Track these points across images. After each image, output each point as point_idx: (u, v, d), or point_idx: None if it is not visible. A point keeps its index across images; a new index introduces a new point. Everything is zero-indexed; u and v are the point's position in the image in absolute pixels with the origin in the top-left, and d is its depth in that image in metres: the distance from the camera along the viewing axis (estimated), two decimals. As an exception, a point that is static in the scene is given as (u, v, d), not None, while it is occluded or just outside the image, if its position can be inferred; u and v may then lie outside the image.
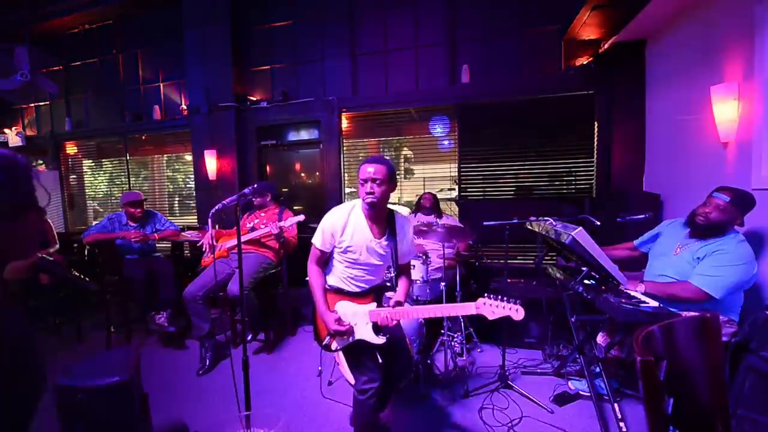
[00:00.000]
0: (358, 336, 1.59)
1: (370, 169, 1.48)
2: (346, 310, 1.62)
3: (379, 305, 1.59)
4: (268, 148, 4.28)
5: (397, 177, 1.61)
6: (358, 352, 1.61)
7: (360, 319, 1.59)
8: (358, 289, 1.65)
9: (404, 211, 3.43)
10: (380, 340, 1.56)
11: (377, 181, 1.47)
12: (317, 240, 1.64)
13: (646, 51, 3.07)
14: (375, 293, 1.64)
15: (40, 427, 1.05)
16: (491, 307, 1.30)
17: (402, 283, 1.65)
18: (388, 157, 4.27)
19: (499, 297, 1.28)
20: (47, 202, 0.73)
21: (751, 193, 1.77)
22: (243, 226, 3.05)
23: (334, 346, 1.61)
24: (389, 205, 1.64)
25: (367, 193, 1.48)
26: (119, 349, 2.92)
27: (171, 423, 2.06)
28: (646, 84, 3.10)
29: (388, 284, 1.65)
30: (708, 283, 1.71)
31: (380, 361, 1.63)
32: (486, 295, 1.30)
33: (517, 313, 1.29)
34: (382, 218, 1.60)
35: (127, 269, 3.04)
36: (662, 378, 0.75)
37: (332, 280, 1.68)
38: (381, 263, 1.61)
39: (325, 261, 1.70)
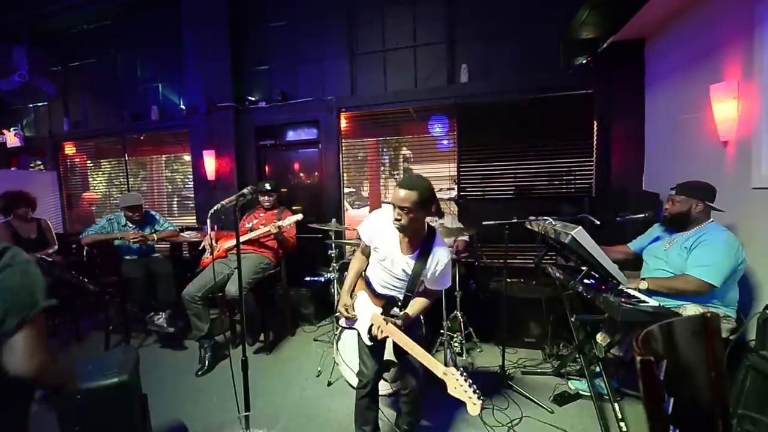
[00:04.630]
0: (357, 326, 1.69)
1: (400, 194, 1.41)
2: (362, 300, 1.71)
3: (384, 314, 1.59)
4: (267, 148, 4.28)
5: (436, 196, 1.48)
6: (363, 346, 1.68)
7: (365, 314, 1.66)
8: (378, 289, 1.67)
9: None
10: (367, 341, 1.63)
11: (405, 209, 1.41)
12: (360, 230, 1.71)
13: (645, 50, 3.07)
14: (386, 302, 1.63)
15: (39, 428, 1.04)
16: (456, 382, 1.22)
17: (419, 301, 1.60)
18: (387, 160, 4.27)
19: (469, 381, 1.20)
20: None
21: (698, 181, 1.93)
22: (242, 226, 3.05)
23: (341, 321, 1.74)
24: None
25: (395, 219, 1.45)
26: (118, 349, 2.93)
27: (170, 424, 2.05)
28: (645, 83, 3.10)
29: (399, 303, 1.61)
30: (707, 273, 1.75)
31: (377, 361, 1.68)
32: (461, 370, 1.24)
33: (474, 407, 1.20)
34: (416, 238, 1.54)
35: (126, 270, 3.04)
36: (662, 377, 0.74)
37: (369, 270, 1.74)
38: (405, 279, 1.59)
39: (369, 253, 1.74)
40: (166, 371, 2.70)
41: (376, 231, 1.62)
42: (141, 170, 5.10)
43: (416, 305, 1.59)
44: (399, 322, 1.51)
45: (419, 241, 1.55)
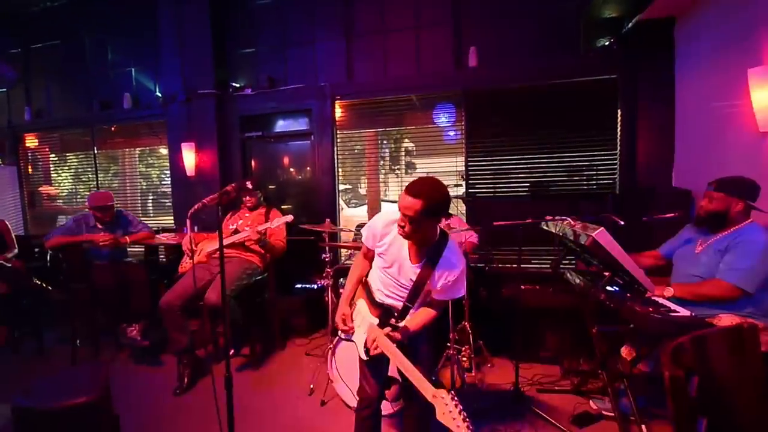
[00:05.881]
0: (355, 339, 1.70)
1: (404, 200, 1.40)
2: (361, 309, 1.71)
3: (380, 325, 1.58)
4: (253, 140, 4.27)
5: (450, 201, 1.46)
6: (363, 362, 1.69)
7: (362, 326, 1.66)
8: (378, 297, 1.67)
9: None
10: (363, 355, 1.63)
11: (408, 218, 1.40)
12: (363, 233, 1.71)
13: (675, 30, 3.07)
14: (383, 312, 1.63)
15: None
16: (446, 407, 1.18)
17: (422, 312, 1.60)
18: (386, 148, 4.27)
19: (460, 408, 1.18)
20: None
21: (741, 177, 1.91)
22: (225, 227, 3.05)
23: (339, 332, 1.77)
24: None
25: (398, 225, 1.45)
26: (86, 365, 2.91)
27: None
28: (675, 67, 3.10)
29: (396, 313, 1.59)
30: (739, 278, 1.76)
31: (379, 378, 1.69)
32: (451, 393, 1.22)
33: None
34: (423, 246, 1.54)
35: (96, 276, 3.03)
36: (693, 395, 0.74)
37: (371, 275, 1.74)
38: (410, 288, 1.58)
39: (372, 257, 1.74)
40: (141, 390, 2.69)
41: (381, 235, 1.61)
42: (112, 165, 5.09)
43: (418, 317, 1.58)
44: (398, 336, 1.50)
45: (427, 250, 1.54)
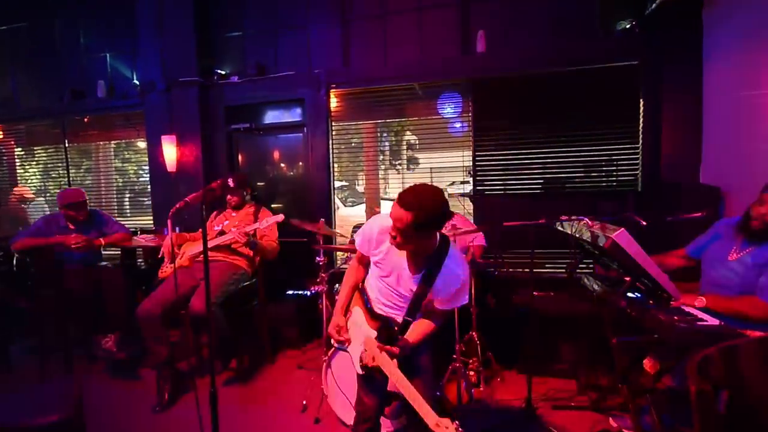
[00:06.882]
0: (351, 351, 1.70)
1: (394, 211, 1.41)
2: (357, 319, 1.72)
3: (379, 340, 1.58)
4: (240, 132, 4.27)
5: (447, 214, 1.45)
6: (362, 379, 1.70)
7: (359, 337, 1.66)
8: (377, 308, 1.67)
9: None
10: (359, 369, 1.64)
11: (398, 230, 1.40)
12: (356, 240, 1.72)
13: (703, 11, 3.08)
14: (382, 325, 1.62)
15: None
16: None
17: (422, 324, 1.60)
18: (383, 142, 4.27)
19: None
20: None
21: None
22: (210, 228, 3.05)
23: (332, 342, 1.75)
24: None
25: (391, 236, 1.45)
26: (56, 380, 2.91)
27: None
28: (703, 52, 3.11)
29: (396, 327, 1.59)
30: None
31: (379, 393, 1.70)
32: (455, 424, 1.22)
33: None
34: (422, 255, 1.54)
35: (67, 282, 3.03)
36: (722, 412, 0.74)
37: (368, 282, 1.75)
38: (410, 297, 1.59)
39: (368, 262, 1.74)
40: (116, 407, 2.69)
41: (378, 242, 1.60)
42: (85, 159, 5.09)
43: (418, 329, 1.59)
44: (397, 351, 1.50)
45: (425, 261, 1.53)
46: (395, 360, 1.48)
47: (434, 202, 1.39)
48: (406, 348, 1.53)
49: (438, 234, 1.54)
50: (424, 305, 1.58)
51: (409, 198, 1.37)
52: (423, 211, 1.35)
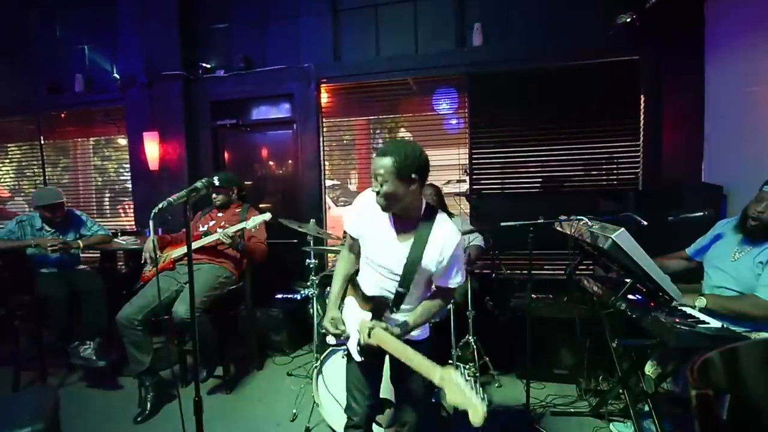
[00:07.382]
0: (348, 344, 1.72)
1: (375, 162, 1.50)
2: (350, 310, 1.74)
3: (375, 318, 1.60)
4: (227, 129, 4.26)
5: (427, 163, 1.53)
6: (352, 375, 1.72)
7: (353, 326, 1.67)
8: (368, 291, 1.69)
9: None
10: (357, 356, 1.65)
11: (379, 178, 1.48)
12: (346, 224, 1.75)
13: (705, 6, 3.12)
14: (374, 305, 1.65)
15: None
16: (455, 386, 1.22)
17: (424, 306, 1.64)
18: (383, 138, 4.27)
19: (470, 382, 1.22)
20: None
21: None
22: (194, 229, 3.03)
23: (328, 338, 1.75)
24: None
25: (374, 191, 1.52)
26: (31, 390, 2.87)
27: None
28: (705, 48, 3.15)
29: (389, 303, 1.62)
30: None
31: (371, 396, 1.71)
32: (460, 368, 1.25)
33: (475, 413, 1.21)
34: (408, 217, 1.59)
35: (43, 286, 3.00)
36: (724, 417, 0.75)
37: (360, 277, 1.77)
38: (401, 273, 1.61)
39: (358, 251, 1.76)
40: (96, 417, 2.66)
41: (365, 217, 1.65)
42: (62, 157, 5.03)
43: (420, 310, 1.62)
44: (396, 331, 1.53)
45: (414, 223, 1.58)
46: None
47: (413, 148, 1.51)
48: (405, 329, 1.57)
49: (424, 201, 1.60)
50: (417, 277, 1.59)
51: (387, 146, 1.51)
52: (401, 155, 1.46)
